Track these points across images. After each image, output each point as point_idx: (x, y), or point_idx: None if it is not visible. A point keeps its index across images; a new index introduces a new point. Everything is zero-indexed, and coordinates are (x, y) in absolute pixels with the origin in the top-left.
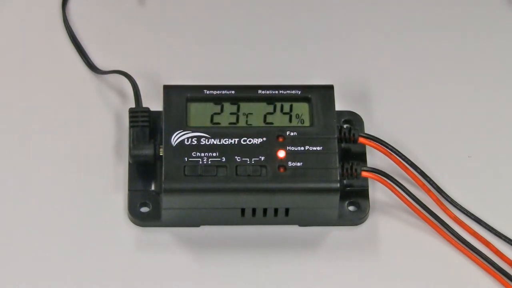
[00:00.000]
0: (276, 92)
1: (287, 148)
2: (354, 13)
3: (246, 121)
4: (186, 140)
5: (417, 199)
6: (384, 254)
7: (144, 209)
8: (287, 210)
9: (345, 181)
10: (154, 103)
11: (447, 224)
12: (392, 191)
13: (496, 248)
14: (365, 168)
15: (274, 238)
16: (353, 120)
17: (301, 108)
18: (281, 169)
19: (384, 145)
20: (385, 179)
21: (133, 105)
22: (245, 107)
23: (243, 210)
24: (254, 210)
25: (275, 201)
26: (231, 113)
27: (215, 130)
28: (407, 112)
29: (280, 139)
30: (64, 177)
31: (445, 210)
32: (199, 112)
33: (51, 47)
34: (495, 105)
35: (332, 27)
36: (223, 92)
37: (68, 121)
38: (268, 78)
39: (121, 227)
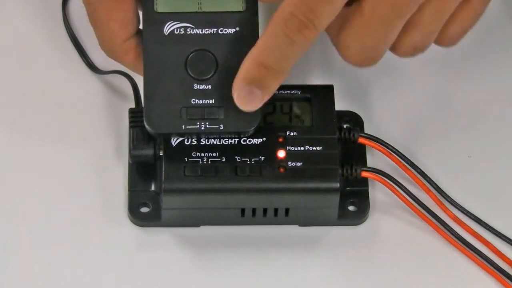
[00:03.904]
0: (276, 92)
1: (287, 148)
2: None
3: None
4: (186, 140)
5: (417, 199)
6: (384, 254)
7: (144, 209)
8: (287, 210)
9: (345, 181)
10: None
11: (447, 224)
12: (392, 191)
13: (496, 248)
14: (365, 168)
15: (274, 238)
16: (353, 120)
17: (301, 108)
18: (281, 169)
19: (384, 145)
20: (385, 179)
21: (133, 105)
22: None
23: (243, 210)
24: (254, 210)
25: (275, 201)
26: None
27: None
28: (407, 112)
29: (280, 139)
30: (63, 177)
31: (445, 210)
32: None
33: (51, 47)
34: (495, 105)
35: None
36: None
37: (68, 121)
38: None
39: (121, 227)
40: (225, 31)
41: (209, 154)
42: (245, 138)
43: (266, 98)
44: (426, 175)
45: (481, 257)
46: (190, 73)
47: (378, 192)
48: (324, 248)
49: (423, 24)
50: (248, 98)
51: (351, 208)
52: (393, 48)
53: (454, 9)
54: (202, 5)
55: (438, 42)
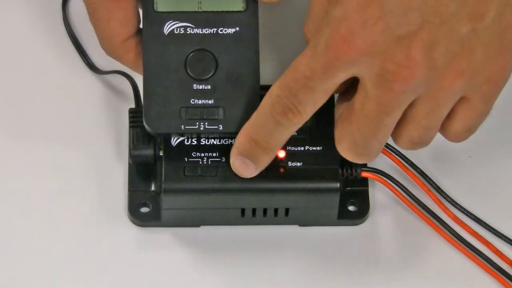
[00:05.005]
0: None
1: (287, 148)
2: None
3: None
4: (186, 140)
5: (417, 199)
6: (384, 254)
7: (144, 209)
8: (287, 210)
9: (345, 181)
10: None
11: (447, 224)
12: (392, 191)
13: (496, 248)
14: (365, 168)
15: (274, 238)
16: None
17: None
18: (281, 169)
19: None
20: (385, 179)
21: (133, 105)
22: None
23: (243, 210)
24: (254, 210)
25: (275, 201)
26: None
27: None
28: None
29: None
30: (64, 177)
31: (445, 210)
32: None
33: (51, 47)
34: (494, 105)
35: None
36: None
37: (68, 121)
38: (269, 78)
39: (121, 227)
40: (225, 31)
41: (209, 154)
42: None
43: (259, 169)
44: (426, 175)
45: (481, 257)
46: (190, 73)
47: (378, 192)
48: (324, 248)
49: (417, 120)
50: (242, 167)
51: (351, 208)
52: (394, 140)
53: (453, 106)
54: (202, 5)
55: (445, 136)
